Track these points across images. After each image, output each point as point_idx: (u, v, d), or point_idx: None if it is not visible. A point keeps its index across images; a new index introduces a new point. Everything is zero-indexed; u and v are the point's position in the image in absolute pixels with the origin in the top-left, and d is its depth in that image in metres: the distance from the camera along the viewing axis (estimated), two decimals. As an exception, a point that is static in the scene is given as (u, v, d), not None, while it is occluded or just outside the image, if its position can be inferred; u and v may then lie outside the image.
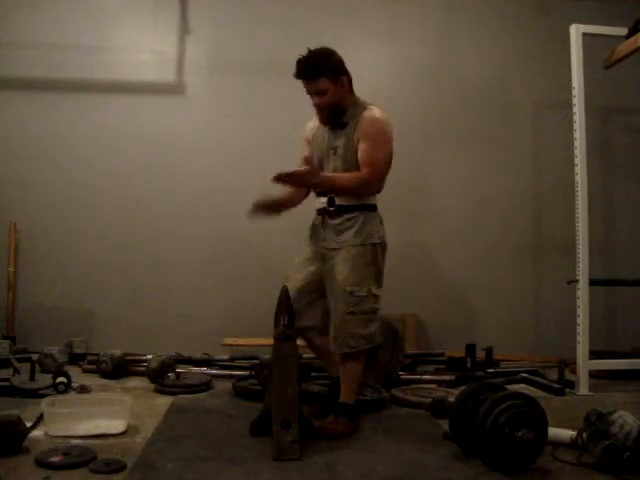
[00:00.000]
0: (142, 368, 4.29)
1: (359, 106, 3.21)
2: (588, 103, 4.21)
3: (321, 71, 3.08)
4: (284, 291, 3.05)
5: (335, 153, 3.18)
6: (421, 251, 5.18)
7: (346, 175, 3.12)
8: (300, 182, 3.08)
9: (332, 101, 3.13)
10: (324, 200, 3.17)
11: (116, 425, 2.95)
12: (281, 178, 2.92)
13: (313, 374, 3.83)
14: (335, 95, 3.13)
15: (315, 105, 3.15)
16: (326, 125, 3.23)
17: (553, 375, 4.29)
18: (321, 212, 3.22)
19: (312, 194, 3.33)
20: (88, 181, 4.99)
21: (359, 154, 3.13)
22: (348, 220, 3.14)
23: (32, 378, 3.70)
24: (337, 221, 3.15)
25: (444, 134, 5.24)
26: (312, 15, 5.17)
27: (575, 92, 4.18)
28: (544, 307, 5.21)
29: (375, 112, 3.19)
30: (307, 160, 3.21)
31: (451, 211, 5.21)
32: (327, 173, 3.16)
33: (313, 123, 3.34)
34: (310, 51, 3.10)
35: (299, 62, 3.10)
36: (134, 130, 5.03)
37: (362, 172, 3.11)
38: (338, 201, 3.14)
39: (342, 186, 3.11)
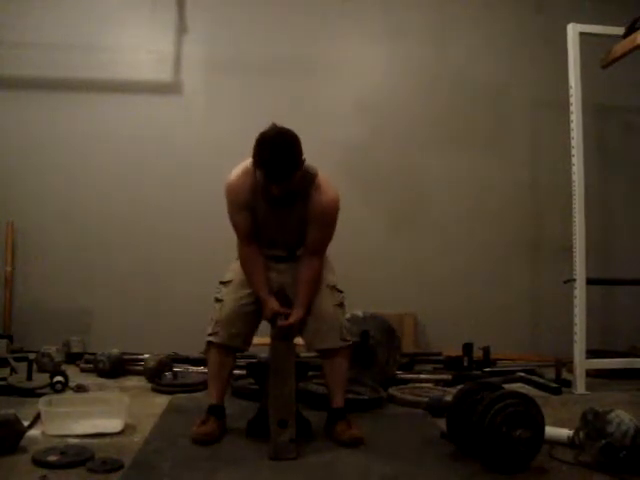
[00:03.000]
0: (139, 367, 4.29)
1: (306, 176, 2.87)
2: (585, 102, 4.21)
3: (295, 169, 2.74)
4: (281, 291, 3.06)
5: (285, 230, 3.00)
6: (418, 251, 5.18)
7: (312, 287, 2.98)
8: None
9: (294, 186, 2.82)
10: (280, 251, 3.07)
11: (113, 424, 2.95)
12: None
13: (311, 373, 3.82)
14: (297, 179, 2.81)
15: (276, 195, 2.79)
16: (274, 199, 2.86)
17: (550, 374, 4.30)
18: (276, 258, 3.08)
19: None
20: (85, 180, 4.99)
21: (311, 236, 2.96)
22: None
23: (29, 377, 3.69)
24: (296, 264, 3.06)
25: (441, 133, 5.24)
26: (309, 14, 5.19)
27: (572, 91, 4.19)
28: (541, 306, 5.22)
29: (331, 194, 2.92)
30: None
31: (448, 210, 5.21)
32: (301, 303, 2.97)
33: (244, 185, 2.89)
34: (278, 150, 2.68)
35: (272, 166, 2.70)
36: (132, 129, 5.03)
37: (316, 265, 2.98)
38: (299, 252, 3.06)
39: (314, 293, 2.99)
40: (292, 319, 2.93)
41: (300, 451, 2.72)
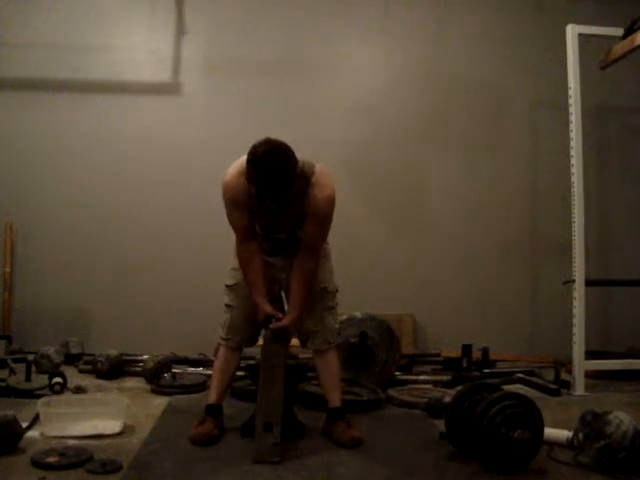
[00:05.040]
0: (138, 368, 4.29)
1: (302, 176, 2.81)
2: (584, 103, 4.21)
3: (289, 187, 2.69)
4: (276, 292, 3.07)
5: (282, 225, 2.99)
6: (417, 251, 5.18)
7: (307, 290, 2.97)
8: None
9: (288, 196, 2.76)
10: (279, 235, 3.06)
11: (112, 425, 2.95)
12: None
13: (309, 374, 3.81)
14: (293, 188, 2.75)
15: (271, 206, 2.77)
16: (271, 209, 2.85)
17: (549, 375, 4.29)
18: (275, 241, 3.09)
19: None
20: (84, 181, 4.99)
21: (307, 231, 2.93)
22: None
23: (28, 378, 3.69)
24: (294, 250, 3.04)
25: (440, 134, 5.24)
26: (308, 14, 5.19)
27: (571, 92, 4.19)
28: (540, 307, 5.21)
29: (327, 190, 2.86)
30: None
31: (447, 211, 5.21)
32: (295, 310, 2.97)
33: (239, 185, 2.82)
34: (271, 171, 2.61)
35: (265, 187, 2.66)
36: (130, 129, 5.03)
37: (311, 263, 2.95)
38: (299, 233, 3.01)
39: (310, 295, 3.00)
40: (285, 322, 2.94)
41: (299, 451, 2.73)
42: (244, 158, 2.78)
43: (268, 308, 2.96)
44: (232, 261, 3.12)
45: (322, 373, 3.10)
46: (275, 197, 2.72)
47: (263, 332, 3.04)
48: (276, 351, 2.89)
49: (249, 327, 3.09)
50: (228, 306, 3.12)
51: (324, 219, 2.92)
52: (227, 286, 3.14)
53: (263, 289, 2.99)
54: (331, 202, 2.88)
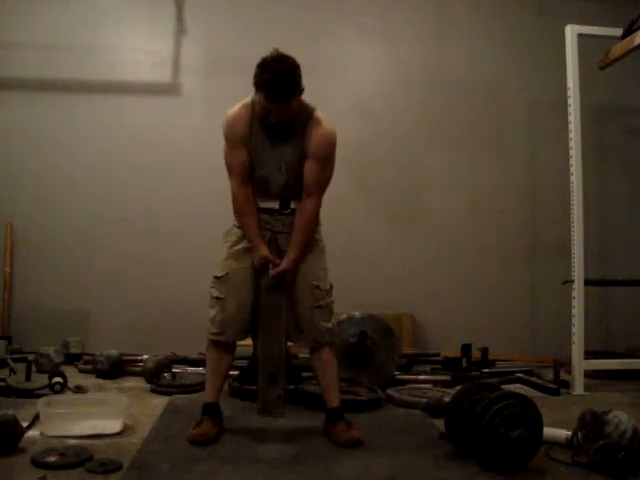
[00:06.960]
0: (138, 368, 4.29)
1: (305, 110, 2.95)
2: (583, 104, 4.22)
3: (295, 91, 2.82)
4: (273, 241, 2.98)
5: (282, 169, 2.96)
6: (416, 251, 5.18)
7: (306, 230, 2.96)
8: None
9: (293, 112, 2.88)
10: (274, 203, 3.01)
11: (112, 425, 2.95)
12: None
13: (307, 374, 3.82)
14: (296, 106, 2.88)
15: (275, 120, 2.85)
16: (271, 132, 2.93)
17: (548, 375, 4.30)
18: (270, 212, 3.02)
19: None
20: (84, 181, 4.99)
21: (307, 172, 2.95)
22: None
23: (28, 378, 3.69)
24: (290, 218, 3.01)
25: (439, 134, 5.24)
26: (307, 14, 5.19)
27: (570, 92, 4.19)
28: (539, 307, 5.22)
29: (328, 127, 2.95)
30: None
31: (446, 211, 5.21)
32: (294, 250, 2.95)
33: (242, 118, 2.97)
34: (279, 69, 2.77)
35: (272, 85, 2.75)
36: (130, 130, 5.03)
37: (312, 205, 2.96)
38: (293, 204, 3.00)
39: (309, 238, 3.00)
40: (284, 264, 2.92)
41: (299, 453, 2.74)
42: (248, 97, 2.99)
43: (265, 251, 2.93)
44: (223, 251, 3.08)
45: (318, 372, 3.09)
46: (282, 96, 2.77)
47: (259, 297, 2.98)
48: (276, 302, 2.86)
49: (241, 320, 3.01)
50: (218, 299, 3.03)
51: (325, 158, 2.95)
52: (216, 278, 3.06)
53: (260, 231, 2.97)
54: (332, 140, 2.96)
